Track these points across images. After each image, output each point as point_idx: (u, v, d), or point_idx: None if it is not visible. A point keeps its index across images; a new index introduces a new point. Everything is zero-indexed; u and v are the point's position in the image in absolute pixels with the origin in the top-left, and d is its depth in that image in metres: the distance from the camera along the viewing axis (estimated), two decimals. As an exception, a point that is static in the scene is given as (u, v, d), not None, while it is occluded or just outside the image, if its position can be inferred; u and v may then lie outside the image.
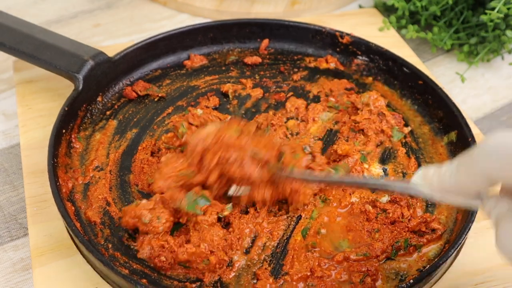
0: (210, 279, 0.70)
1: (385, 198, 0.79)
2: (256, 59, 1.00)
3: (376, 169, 0.83)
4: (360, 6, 1.20)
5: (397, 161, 0.85)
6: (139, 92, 0.93)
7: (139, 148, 0.85)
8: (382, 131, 0.87)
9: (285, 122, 0.89)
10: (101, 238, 0.74)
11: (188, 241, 0.71)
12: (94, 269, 0.72)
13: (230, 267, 0.71)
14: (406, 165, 0.84)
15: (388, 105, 0.92)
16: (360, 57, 0.99)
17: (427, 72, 0.99)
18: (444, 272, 0.74)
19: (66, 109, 0.83)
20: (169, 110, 0.91)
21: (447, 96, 0.88)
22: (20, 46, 0.89)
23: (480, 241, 0.77)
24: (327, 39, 1.00)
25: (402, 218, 0.77)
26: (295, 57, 1.01)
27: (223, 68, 0.99)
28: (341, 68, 0.99)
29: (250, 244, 0.74)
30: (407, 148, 0.87)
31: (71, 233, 0.71)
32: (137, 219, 0.72)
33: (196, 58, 0.99)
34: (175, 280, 0.70)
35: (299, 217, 0.77)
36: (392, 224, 0.76)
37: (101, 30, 1.14)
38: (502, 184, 0.54)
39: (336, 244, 0.75)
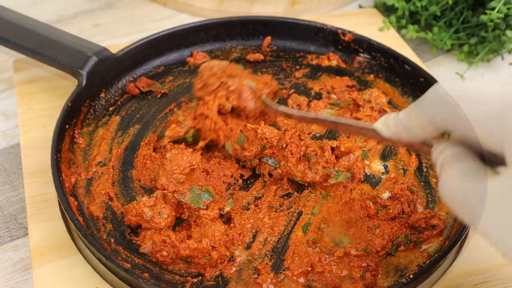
0: (212, 273, 0.71)
1: (385, 195, 0.79)
2: (258, 56, 1.00)
3: (377, 165, 0.83)
4: (360, 6, 1.20)
5: (398, 158, 0.85)
6: (141, 89, 0.93)
7: (142, 144, 0.85)
8: None
9: None
10: (103, 233, 0.74)
11: (189, 237, 0.72)
12: (94, 269, 0.72)
13: (232, 262, 0.72)
14: (407, 162, 0.84)
15: (389, 102, 0.92)
16: (362, 55, 0.99)
17: (426, 70, 0.99)
18: (444, 272, 0.74)
19: (70, 104, 0.83)
20: (172, 107, 0.92)
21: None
22: (24, 42, 0.89)
23: (480, 241, 0.77)
24: (329, 37, 1.01)
25: (403, 214, 0.77)
26: (297, 55, 1.01)
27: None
28: (343, 65, 0.99)
29: (252, 239, 0.74)
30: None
31: (73, 227, 0.71)
32: (139, 216, 0.72)
33: (199, 55, 1.00)
34: (176, 275, 0.71)
35: (300, 213, 0.77)
36: (393, 220, 0.76)
37: (101, 30, 1.14)
38: (452, 133, 0.56)
39: (337, 239, 0.75)
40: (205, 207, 0.73)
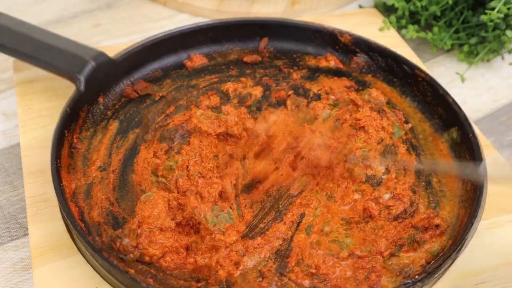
0: (216, 278, 0.70)
1: (387, 195, 0.79)
2: (256, 58, 1.00)
3: (378, 166, 0.83)
4: (360, 6, 1.20)
5: (399, 158, 0.85)
6: (140, 92, 0.93)
7: (141, 147, 0.85)
8: (383, 128, 0.87)
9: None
10: (105, 238, 0.74)
11: (196, 247, 0.72)
12: (94, 269, 0.72)
13: (236, 266, 0.72)
14: (407, 162, 0.84)
15: (388, 103, 0.92)
16: (359, 55, 0.99)
17: (426, 70, 0.99)
18: (444, 272, 0.74)
19: (68, 110, 0.82)
20: (171, 109, 0.91)
21: (446, 92, 0.89)
22: (21, 47, 0.89)
23: (480, 241, 0.77)
24: (327, 38, 1.00)
25: (405, 215, 0.77)
26: (295, 56, 1.01)
27: (223, 67, 0.99)
28: (341, 66, 0.99)
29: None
30: (407, 145, 0.87)
31: (75, 235, 0.71)
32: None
33: (197, 58, 0.99)
34: (180, 280, 0.70)
35: (303, 215, 0.77)
36: (395, 221, 0.76)
37: (101, 30, 1.14)
38: None
39: (340, 241, 0.75)
40: (225, 230, 0.73)
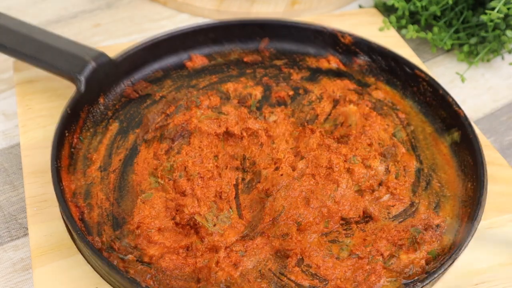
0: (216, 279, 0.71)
1: (387, 195, 0.79)
2: (256, 58, 1.00)
3: (378, 167, 0.83)
4: (360, 6, 1.20)
5: (399, 158, 0.84)
6: (140, 92, 0.93)
7: (141, 148, 0.85)
8: (384, 129, 0.87)
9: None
10: (105, 239, 0.74)
11: (196, 251, 0.72)
12: (94, 269, 0.72)
13: (236, 267, 0.72)
14: (407, 162, 0.84)
15: (390, 104, 0.92)
16: (362, 57, 0.99)
17: (427, 72, 0.99)
18: (444, 272, 0.74)
19: (68, 111, 0.82)
20: (171, 109, 0.91)
21: (449, 95, 0.89)
22: (21, 47, 0.89)
23: (480, 241, 0.76)
24: (329, 39, 1.00)
25: (405, 215, 0.77)
26: (296, 57, 1.01)
27: (224, 67, 0.99)
28: (343, 68, 0.99)
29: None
30: (408, 145, 0.87)
31: (75, 235, 0.71)
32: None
33: (197, 59, 0.99)
34: (180, 280, 0.70)
35: (303, 215, 0.77)
36: (395, 221, 0.77)
37: (101, 30, 1.14)
38: None
39: (340, 241, 0.75)
40: (223, 232, 0.73)
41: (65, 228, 0.76)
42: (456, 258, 0.70)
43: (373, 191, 0.80)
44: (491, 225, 0.78)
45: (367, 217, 0.78)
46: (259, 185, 0.79)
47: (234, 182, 0.80)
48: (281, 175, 0.78)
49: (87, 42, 1.09)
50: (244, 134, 0.85)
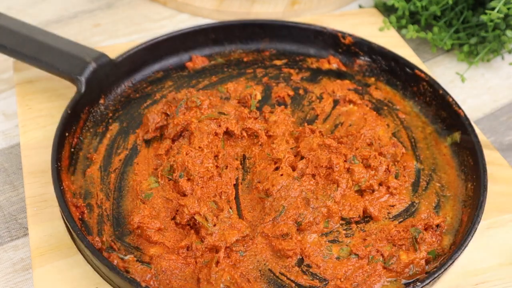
0: None
1: (387, 195, 0.80)
2: (257, 59, 1.00)
3: (378, 167, 0.83)
4: (360, 6, 1.20)
5: (398, 159, 0.84)
6: (140, 92, 0.93)
7: (141, 148, 0.85)
8: (384, 129, 0.87)
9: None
10: (105, 238, 0.74)
11: (197, 250, 0.72)
12: (94, 269, 0.72)
13: (236, 267, 0.72)
14: (407, 164, 0.84)
15: (390, 104, 0.93)
16: (362, 58, 0.99)
17: (427, 72, 0.99)
18: (444, 272, 0.73)
19: (69, 112, 0.82)
20: (171, 109, 0.91)
21: (449, 95, 0.89)
22: (22, 48, 0.89)
23: (480, 241, 0.77)
24: (329, 40, 1.00)
25: (405, 215, 0.77)
26: (297, 58, 1.01)
27: (224, 67, 0.99)
28: (344, 68, 0.99)
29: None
30: (408, 146, 0.87)
31: (76, 236, 0.71)
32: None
33: (198, 59, 0.99)
34: (180, 280, 0.70)
35: (303, 215, 0.77)
36: (396, 221, 0.77)
37: (101, 30, 1.14)
38: None
39: (340, 241, 0.75)
40: (224, 230, 0.73)
41: (65, 228, 0.76)
42: (456, 258, 0.70)
43: (373, 191, 0.80)
44: (491, 225, 0.78)
45: (367, 217, 0.78)
46: (259, 185, 0.79)
47: (234, 182, 0.80)
48: (281, 175, 0.78)
49: (87, 42, 1.09)
50: (244, 134, 0.85)
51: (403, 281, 0.71)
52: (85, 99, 0.87)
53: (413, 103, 0.94)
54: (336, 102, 0.93)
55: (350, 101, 0.92)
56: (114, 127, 0.89)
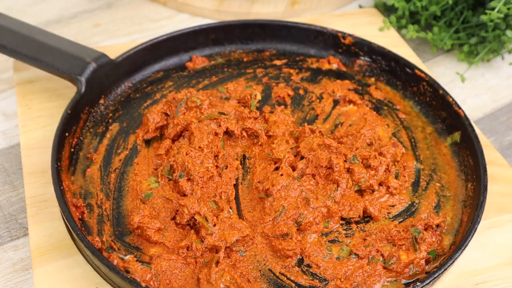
0: None
1: (387, 195, 0.80)
2: (257, 59, 1.00)
3: (378, 167, 0.83)
4: (360, 6, 1.20)
5: (398, 159, 0.84)
6: (140, 92, 0.93)
7: (141, 148, 0.85)
8: (384, 130, 0.87)
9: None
10: (105, 238, 0.74)
11: (197, 250, 0.72)
12: (94, 269, 0.72)
13: (236, 266, 0.72)
14: (407, 164, 0.84)
15: (390, 104, 0.92)
16: (362, 58, 0.99)
17: (427, 72, 0.99)
18: (444, 272, 0.73)
19: (69, 112, 0.82)
20: (171, 109, 0.91)
21: (449, 95, 0.89)
22: (22, 48, 0.89)
23: (480, 241, 0.77)
24: (329, 40, 1.00)
25: (405, 215, 0.77)
26: (297, 58, 1.01)
27: (225, 68, 0.99)
28: (344, 69, 0.99)
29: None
30: (408, 146, 0.87)
31: (76, 236, 0.71)
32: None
33: (198, 60, 0.99)
34: (181, 280, 0.71)
35: (303, 215, 0.77)
36: (395, 221, 0.77)
37: (101, 30, 1.14)
38: None
39: (340, 241, 0.75)
40: (224, 230, 0.73)
41: (65, 228, 0.76)
42: (456, 258, 0.70)
43: (373, 191, 0.80)
44: (491, 225, 0.78)
45: (367, 217, 0.78)
46: (259, 185, 0.79)
47: (234, 182, 0.80)
48: (281, 175, 0.78)
49: (87, 42, 1.09)
50: (244, 134, 0.85)
51: (403, 281, 0.71)
52: (85, 99, 0.87)
53: (413, 103, 0.94)
54: (336, 102, 0.93)
55: (350, 101, 0.92)
56: (114, 127, 0.89)
